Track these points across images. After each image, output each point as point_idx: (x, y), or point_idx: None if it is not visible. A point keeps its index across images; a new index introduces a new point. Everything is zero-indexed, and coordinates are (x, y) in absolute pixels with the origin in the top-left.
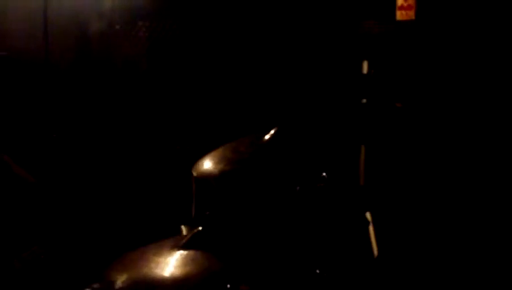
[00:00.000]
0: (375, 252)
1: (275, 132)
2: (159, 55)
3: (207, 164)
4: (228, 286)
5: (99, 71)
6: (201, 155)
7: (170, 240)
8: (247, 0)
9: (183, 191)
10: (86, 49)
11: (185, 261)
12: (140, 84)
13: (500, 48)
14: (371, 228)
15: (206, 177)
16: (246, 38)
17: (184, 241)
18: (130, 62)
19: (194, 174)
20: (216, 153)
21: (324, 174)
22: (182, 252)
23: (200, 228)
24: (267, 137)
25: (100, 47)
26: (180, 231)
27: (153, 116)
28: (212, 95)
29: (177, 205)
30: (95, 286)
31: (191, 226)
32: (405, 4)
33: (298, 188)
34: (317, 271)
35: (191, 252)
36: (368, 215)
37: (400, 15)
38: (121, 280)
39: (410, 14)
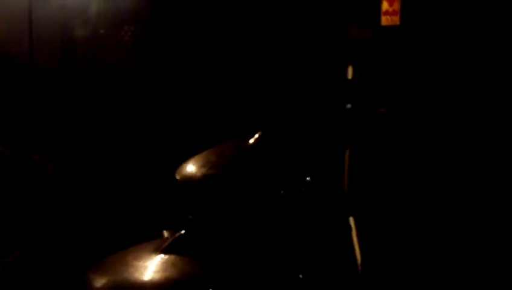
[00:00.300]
0: (358, 256)
1: (259, 136)
2: (144, 59)
3: (190, 168)
4: None
5: (85, 75)
6: (185, 159)
7: (151, 243)
8: (232, 5)
9: (167, 195)
10: (71, 54)
11: (165, 266)
12: (125, 88)
13: (484, 52)
14: (354, 233)
15: (190, 181)
16: (230, 42)
17: (165, 245)
18: (116, 66)
19: (178, 177)
20: (200, 157)
21: (308, 178)
22: (162, 256)
23: (182, 232)
24: (251, 141)
25: (86, 51)
26: (162, 234)
27: (138, 120)
28: (197, 99)
29: (160, 209)
30: None
31: (173, 230)
32: (390, 9)
33: (282, 192)
34: (300, 276)
35: (172, 257)
36: (351, 220)
37: (384, 20)
38: (100, 284)
39: (395, 20)
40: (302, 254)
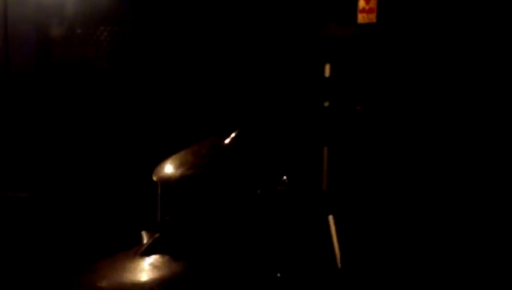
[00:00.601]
0: (338, 254)
1: (235, 135)
2: (120, 59)
3: (168, 168)
4: None
5: (61, 75)
6: (163, 159)
7: (132, 247)
8: (208, 4)
9: (146, 196)
10: (47, 53)
11: (146, 268)
12: (101, 88)
13: (460, 50)
14: (333, 231)
15: (167, 181)
16: (206, 41)
17: (144, 248)
18: (92, 66)
19: (155, 178)
20: (177, 157)
21: (285, 177)
22: (143, 259)
23: (160, 234)
24: (227, 140)
25: (62, 51)
26: (141, 235)
27: (115, 120)
28: (173, 98)
29: (139, 209)
30: None
31: (152, 231)
32: (366, 7)
33: (259, 191)
34: (278, 274)
35: (151, 259)
36: (331, 218)
37: (361, 18)
38: None
39: (372, 17)
40: (280, 252)
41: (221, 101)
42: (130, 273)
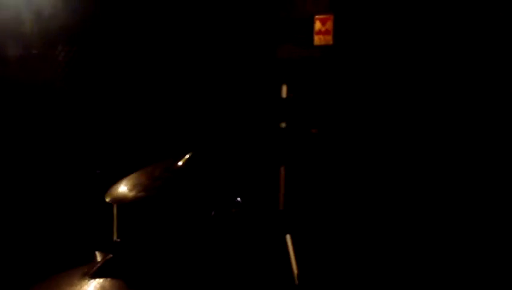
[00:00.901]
0: (295, 272)
1: (189, 157)
2: (78, 79)
3: (120, 190)
4: None
5: (18, 95)
6: (117, 180)
7: (81, 268)
8: (164, 25)
9: (102, 217)
10: (5, 73)
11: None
12: (58, 107)
13: (414, 73)
14: (291, 250)
15: (119, 202)
16: (162, 62)
17: (94, 269)
18: (49, 86)
19: (107, 199)
20: (130, 179)
21: (239, 199)
22: (92, 281)
23: (111, 256)
24: (181, 162)
25: (19, 71)
26: (95, 256)
27: (71, 140)
28: (130, 119)
29: (95, 231)
30: None
31: (105, 252)
32: (323, 29)
33: (213, 213)
34: None
35: (101, 281)
36: (288, 237)
37: (317, 40)
38: None
39: (328, 39)
40: (235, 273)
41: (178, 122)
42: None
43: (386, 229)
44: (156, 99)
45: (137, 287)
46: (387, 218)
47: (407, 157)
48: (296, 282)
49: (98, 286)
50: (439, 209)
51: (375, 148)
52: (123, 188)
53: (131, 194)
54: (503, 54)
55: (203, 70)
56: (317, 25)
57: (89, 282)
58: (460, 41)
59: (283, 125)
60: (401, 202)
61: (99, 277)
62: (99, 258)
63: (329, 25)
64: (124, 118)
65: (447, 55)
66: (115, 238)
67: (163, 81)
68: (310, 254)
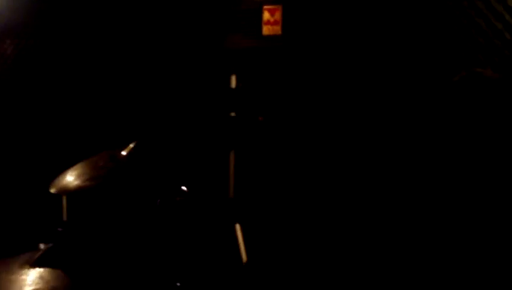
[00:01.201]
0: (244, 259)
1: (133, 146)
2: (27, 73)
3: (65, 180)
4: None
5: None
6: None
7: (22, 257)
8: (111, 17)
9: (46, 207)
10: None
11: (33, 280)
12: (6, 101)
13: (357, 62)
14: (240, 239)
15: (64, 193)
16: (109, 53)
17: (34, 258)
18: None
19: (52, 190)
20: (75, 169)
21: (184, 188)
22: (31, 270)
23: (52, 245)
24: (125, 152)
25: None
26: (38, 247)
27: (18, 132)
28: (76, 110)
29: (38, 221)
30: None
31: (48, 243)
32: (271, 19)
33: (158, 202)
34: (178, 284)
35: (41, 270)
36: (238, 226)
37: (266, 30)
38: None
39: (277, 29)
40: (180, 262)
41: (124, 112)
42: (14, 285)
43: (338, 217)
44: (102, 89)
45: (77, 277)
46: (338, 205)
47: (353, 145)
48: (246, 274)
49: (37, 275)
50: (380, 194)
51: (320, 137)
52: (68, 179)
53: (75, 183)
54: (442, 50)
55: (150, 61)
56: (266, 15)
57: (28, 271)
58: (400, 34)
59: (232, 114)
60: (346, 188)
61: (39, 266)
62: (42, 248)
63: (277, 15)
64: (69, 109)
65: (396, 48)
66: (56, 228)
67: (109, 71)
68: (260, 242)
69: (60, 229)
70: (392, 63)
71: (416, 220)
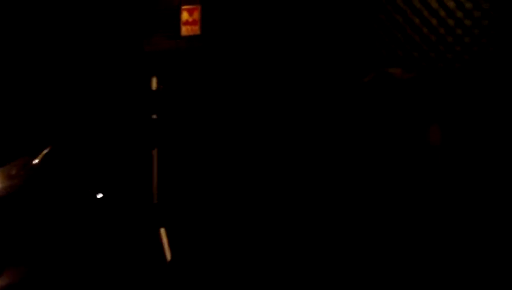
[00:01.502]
0: (168, 260)
1: (45, 153)
2: None
3: None
4: None
5: None
6: None
7: None
8: (15, 15)
9: None
10: None
11: None
12: None
13: (278, 62)
14: (165, 244)
15: None
16: (21, 55)
17: None
18: None
19: None
20: None
21: (100, 195)
22: None
23: None
24: (37, 159)
25: None
26: None
27: None
28: None
29: None
30: None
31: None
32: (190, 19)
33: (73, 209)
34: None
35: None
36: (163, 231)
37: (185, 30)
38: None
39: (195, 29)
40: (102, 267)
41: (38, 116)
42: None
43: (259, 218)
44: (12, 94)
45: None
46: (249, 204)
47: (270, 145)
48: (171, 278)
49: None
50: (298, 192)
51: (239, 137)
52: None
53: None
54: (358, 46)
55: (65, 66)
56: (185, 15)
57: None
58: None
59: (154, 116)
60: (260, 188)
61: None
62: None
63: (196, 15)
64: None
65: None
66: None
67: (20, 75)
68: (184, 243)
69: None
70: (308, 61)
71: (330, 222)
